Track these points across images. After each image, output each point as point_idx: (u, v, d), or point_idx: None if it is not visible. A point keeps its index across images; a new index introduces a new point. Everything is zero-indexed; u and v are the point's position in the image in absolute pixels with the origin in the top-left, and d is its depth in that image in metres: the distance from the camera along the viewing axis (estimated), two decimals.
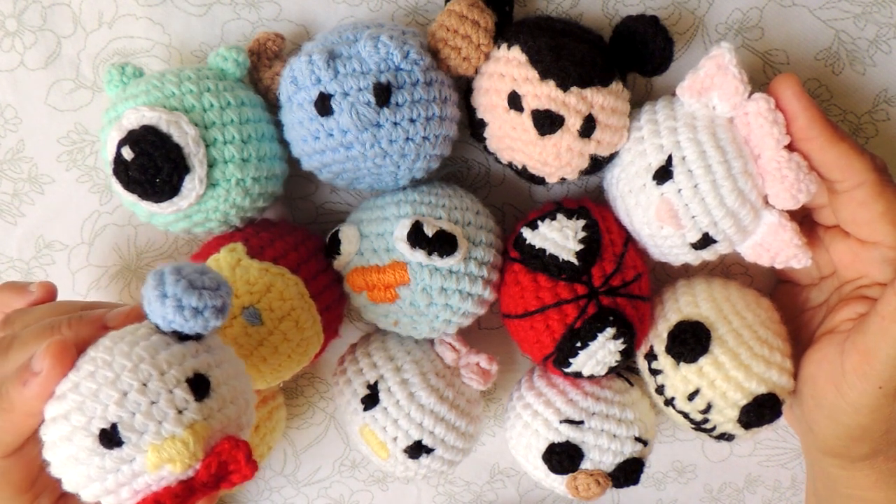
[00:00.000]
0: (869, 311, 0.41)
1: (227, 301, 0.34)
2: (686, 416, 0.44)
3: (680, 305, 0.45)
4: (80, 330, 0.35)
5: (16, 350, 0.35)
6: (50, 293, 0.42)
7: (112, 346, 0.33)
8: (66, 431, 0.32)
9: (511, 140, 0.41)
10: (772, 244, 0.41)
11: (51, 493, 0.37)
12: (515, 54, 0.40)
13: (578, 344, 0.42)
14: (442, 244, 0.41)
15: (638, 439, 0.46)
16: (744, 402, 0.42)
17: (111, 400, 0.32)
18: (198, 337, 0.35)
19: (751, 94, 0.39)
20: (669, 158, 0.40)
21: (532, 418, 0.47)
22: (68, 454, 0.32)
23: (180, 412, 0.32)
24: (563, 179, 0.43)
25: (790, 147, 0.39)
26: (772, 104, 0.39)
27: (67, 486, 0.33)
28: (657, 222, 0.41)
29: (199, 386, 0.33)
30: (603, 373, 0.44)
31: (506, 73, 0.40)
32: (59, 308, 0.40)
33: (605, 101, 0.39)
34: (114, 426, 0.31)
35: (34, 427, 0.34)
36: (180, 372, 0.32)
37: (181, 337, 0.34)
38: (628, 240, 0.44)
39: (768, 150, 0.39)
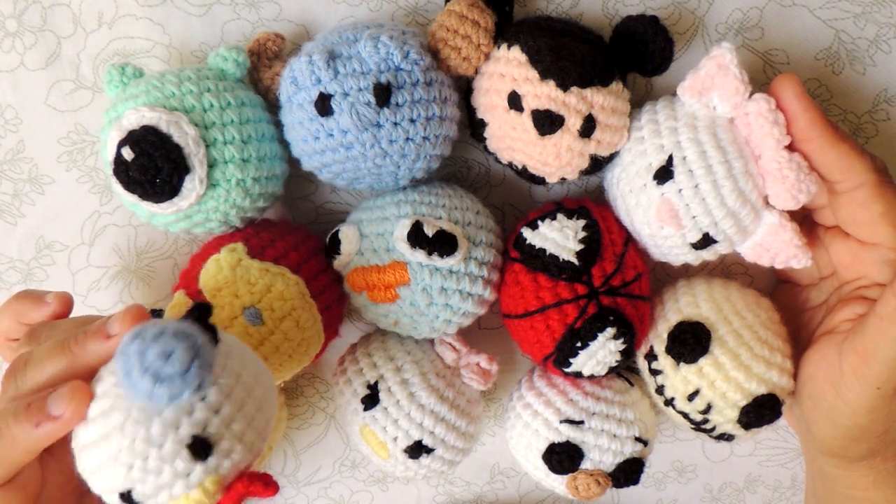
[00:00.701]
0: (868, 311, 0.41)
1: (206, 374, 0.32)
2: (686, 416, 0.44)
3: (680, 306, 0.45)
4: (88, 345, 0.35)
5: (31, 370, 0.35)
6: (67, 304, 0.42)
7: (109, 412, 0.32)
8: (98, 487, 0.33)
9: (511, 140, 0.41)
10: (772, 244, 0.41)
11: None
12: (515, 54, 0.40)
13: (578, 344, 0.42)
14: (442, 244, 0.41)
15: (638, 439, 0.46)
16: (744, 402, 0.42)
17: (119, 472, 0.32)
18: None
19: (751, 94, 0.39)
20: (670, 158, 0.40)
21: (532, 418, 0.47)
22: None
23: (187, 476, 0.32)
24: (563, 179, 0.43)
25: (791, 147, 0.39)
26: (772, 104, 0.39)
27: None
28: (657, 222, 0.41)
29: (200, 448, 0.32)
30: (603, 373, 0.44)
31: (506, 73, 0.40)
32: (81, 324, 0.39)
33: (605, 101, 0.39)
34: (129, 491, 0.32)
35: (29, 461, 0.34)
36: (176, 442, 0.31)
37: None
38: (628, 240, 0.44)
39: (769, 151, 0.39)
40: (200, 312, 0.34)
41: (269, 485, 0.33)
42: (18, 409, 0.33)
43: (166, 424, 0.32)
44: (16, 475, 0.35)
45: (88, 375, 0.34)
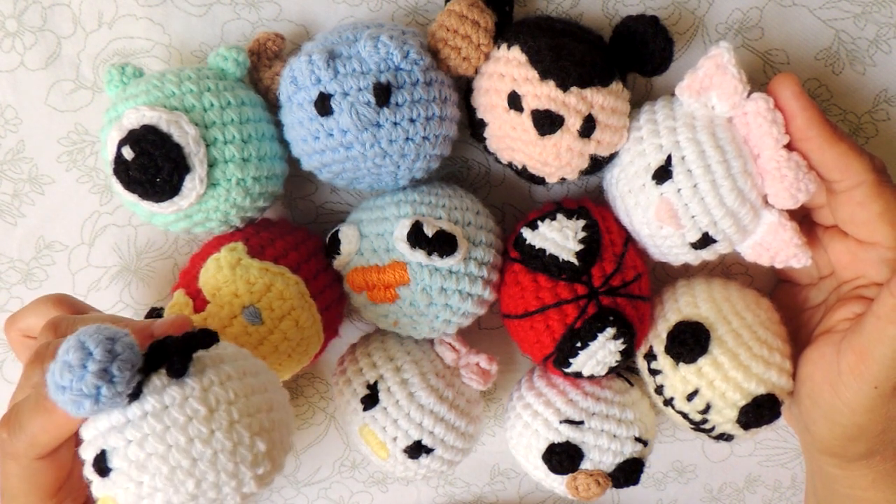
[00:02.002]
0: (866, 311, 0.41)
1: (121, 374, 0.30)
2: (685, 416, 0.44)
3: (679, 306, 0.45)
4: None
5: None
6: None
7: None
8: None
9: (511, 140, 0.41)
10: (771, 244, 0.41)
11: (76, 497, 0.38)
12: (515, 54, 0.40)
13: (578, 344, 0.42)
14: (442, 244, 0.41)
15: (638, 439, 0.46)
16: (743, 402, 0.42)
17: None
18: (134, 394, 0.32)
19: (750, 93, 0.39)
20: (669, 158, 0.40)
21: (532, 418, 0.47)
22: None
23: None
24: (563, 179, 0.43)
25: (789, 147, 0.39)
26: (771, 104, 0.39)
27: None
28: (657, 222, 0.41)
29: (102, 464, 0.32)
30: (603, 373, 0.44)
31: (506, 73, 0.40)
32: (109, 320, 0.39)
33: (604, 101, 0.39)
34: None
35: (73, 430, 0.34)
36: (90, 452, 0.33)
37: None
38: (628, 240, 0.44)
39: (767, 150, 0.39)
40: (191, 339, 0.34)
41: None
42: None
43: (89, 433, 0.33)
44: (55, 451, 0.35)
45: None
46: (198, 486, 0.32)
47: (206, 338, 0.34)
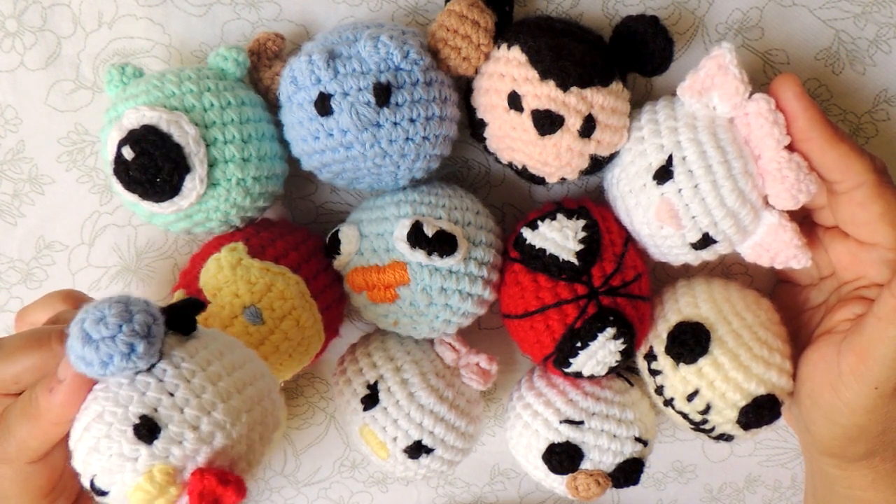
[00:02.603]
0: (866, 311, 0.41)
1: (136, 340, 0.31)
2: (685, 416, 0.44)
3: (680, 306, 0.45)
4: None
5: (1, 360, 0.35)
6: None
7: (90, 398, 0.33)
8: (81, 476, 0.33)
9: (511, 140, 0.41)
10: (772, 244, 0.41)
11: (69, 495, 0.38)
12: (515, 54, 0.40)
13: (578, 344, 0.42)
14: (442, 244, 0.41)
15: (638, 439, 0.46)
16: (743, 403, 0.42)
17: (82, 457, 0.32)
18: (149, 367, 0.33)
19: (751, 94, 0.39)
20: (670, 158, 0.40)
21: (532, 418, 0.47)
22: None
23: (134, 461, 0.31)
24: (563, 179, 0.43)
25: (790, 147, 0.39)
26: (772, 104, 0.39)
27: None
28: (657, 222, 0.41)
29: (147, 429, 0.31)
30: (603, 373, 0.44)
31: (506, 73, 0.40)
32: None
33: (605, 101, 0.39)
34: (93, 477, 0.32)
35: (60, 435, 0.34)
36: (123, 421, 0.31)
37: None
38: (628, 240, 0.44)
39: (768, 151, 0.39)
40: (186, 305, 0.34)
41: (226, 483, 0.31)
42: (42, 380, 0.34)
43: (118, 402, 0.32)
44: (47, 454, 0.35)
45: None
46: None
47: (199, 303, 0.35)
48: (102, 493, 0.32)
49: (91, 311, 0.31)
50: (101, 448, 0.32)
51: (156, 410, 0.32)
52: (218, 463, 0.32)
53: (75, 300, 0.41)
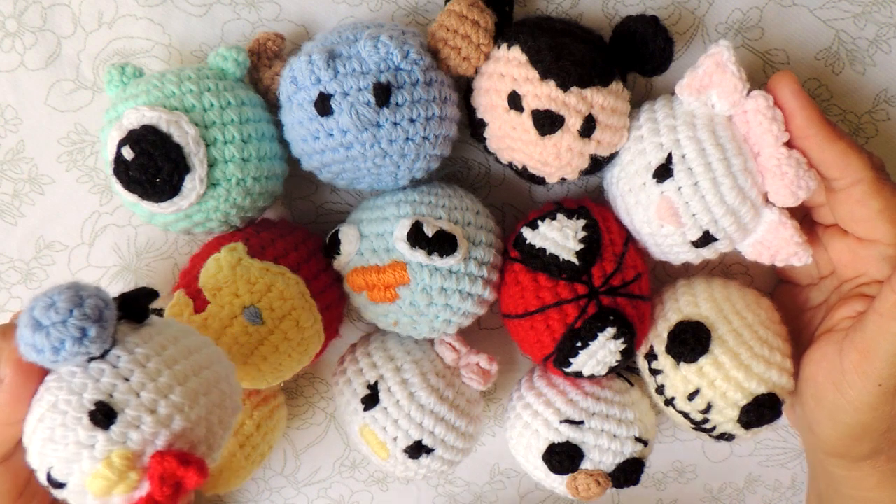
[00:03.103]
0: (867, 308, 0.41)
1: (87, 324, 0.31)
2: (686, 416, 0.44)
3: (680, 305, 0.45)
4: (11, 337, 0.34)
5: None
6: None
7: (41, 391, 0.33)
8: (36, 471, 0.33)
9: (511, 140, 0.41)
10: (772, 242, 0.41)
11: (41, 499, 0.37)
12: (515, 54, 0.40)
13: (579, 344, 0.42)
14: (442, 244, 0.41)
15: (638, 439, 0.46)
16: (744, 402, 0.42)
17: (37, 449, 0.32)
18: (102, 354, 0.33)
19: (749, 92, 0.39)
20: (669, 156, 0.40)
21: (532, 418, 0.47)
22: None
23: (91, 448, 0.31)
24: (563, 179, 0.43)
25: (789, 144, 0.39)
26: (770, 101, 0.39)
27: None
28: (657, 221, 0.41)
29: (102, 414, 0.31)
30: (603, 373, 0.44)
31: (506, 73, 0.40)
32: None
33: (605, 101, 0.39)
34: (49, 470, 0.32)
35: (16, 436, 0.34)
36: (78, 409, 0.31)
37: (89, 357, 0.33)
38: (628, 239, 0.44)
39: (767, 147, 0.39)
40: (139, 293, 0.35)
41: (186, 463, 0.31)
42: None
43: (72, 391, 0.31)
44: (8, 458, 0.35)
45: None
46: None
47: (151, 292, 0.36)
48: (60, 486, 0.32)
49: (40, 299, 0.31)
50: (56, 438, 0.31)
51: (111, 396, 0.31)
52: (177, 446, 0.32)
53: None
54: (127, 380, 0.32)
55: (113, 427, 0.31)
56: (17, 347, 0.31)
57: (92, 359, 0.32)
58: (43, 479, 0.32)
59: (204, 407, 0.33)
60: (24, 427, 0.33)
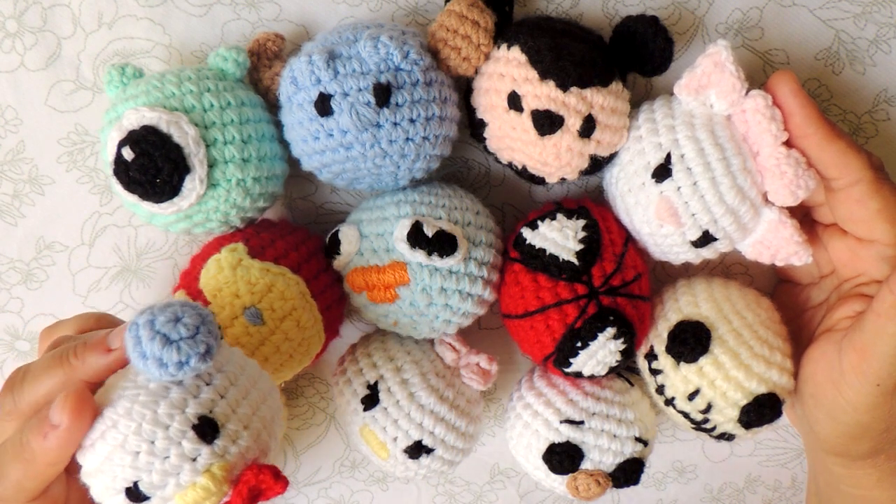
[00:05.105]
0: (866, 308, 0.41)
1: (212, 341, 0.32)
2: (686, 416, 0.44)
3: (680, 305, 0.45)
4: (87, 358, 0.35)
5: (28, 383, 0.35)
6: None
7: (116, 403, 0.33)
8: (101, 489, 0.33)
9: (511, 140, 0.41)
10: (772, 241, 0.41)
11: None
12: (515, 54, 0.40)
13: (579, 344, 0.42)
14: (442, 244, 0.41)
15: (638, 439, 0.46)
16: (744, 401, 0.42)
17: (125, 462, 0.32)
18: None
19: (748, 91, 0.39)
20: (668, 156, 0.40)
21: (532, 418, 0.47)
22: None
23: (194, 460, 0.32)
24: (562, 179, 0.43)
25: (788, 144, 0.39)
26: (769, 101, 0.39)
27: None
28: (657, 221, 0.41)
29: (207, 429, 0.32)
30: (603, 373, 0.44)
31: (505, 73, 0.40)
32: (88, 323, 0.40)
33: (604, 101, 0.39)
34: (135, 483, 0.32)
35: (57, 473, 0.34)
36: (183, 422, 0.32)
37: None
38: (628, 239, 0.44)
39: (767, 147, 0.39)
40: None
41: (278, 477, 0.33)
42: (33, 424, 0.33)
43: (173, 405, 0.32)
44: (46, 490, 0.35)
45: (90, 389, 0.34)
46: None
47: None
48: (143, 499, 0.32)
49: (160, 313, 0.32)
50: (156, 451, 0.31)
51: (211, 411, 0.33)
52: (260, 461, 0.34)
53: (107, 322, 0.41)
54: (223, 397, 0.33)
55: (217, 441, 0.32)
56: (131, 359, 0.32)
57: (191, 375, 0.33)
58: (115, 495, 0.32)
59: (277, 426, 0.36)
60: (87, 447, 0.33)
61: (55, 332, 0.41)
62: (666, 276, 0.50)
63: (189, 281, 0.42)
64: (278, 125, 0.43)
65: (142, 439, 0.32)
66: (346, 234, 0.44)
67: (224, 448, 0.32)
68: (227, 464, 0.32)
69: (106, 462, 0.32)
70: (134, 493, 0.32)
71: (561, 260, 0.42)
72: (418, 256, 0.41)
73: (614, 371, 0.44)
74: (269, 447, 0.35)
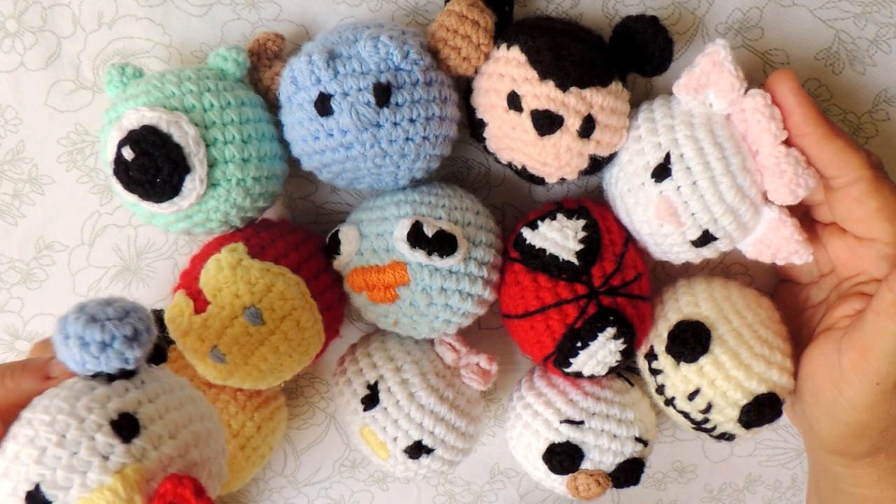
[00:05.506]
0: (866, 307, 0.41)
1: (140, 326, 0.31)
2: (686, 415, 0.44)
3: (680, 305, 0.45)
4: (22, 382, 0.33)
5: None
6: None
7: (36, 403, 0.31)
8: (1, 499, 0.29)
9: (511, 140, 0.41)
10: (772, 240, 0.41)
11: None
12: (515, 54, 0.40)
13: (579, 344, 0.42)
14: (442, 244, 0.41)
15: (638, 439, 0.46)
16: (744, 401, 0.42)
17: (31, 458, 0.29)
18: (128, 374, 0.32)
19: (747, 90, 0.39)
20: (667, 156, 0.40)
21: (532, 418, 0.47)
22: None
23: (105, 458, 0.29)
24: (562, 179, 0.43)
25: (787, 143, 0.39)
26: (768, 100, 0.39)
27: None
28: (657, 220, 0.41)
29: (126, 426, 0.30)
30: (603, 373, 0.44)
31: (505, 73, 0.40)
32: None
33: (604, 101, 0.39)
34: (37, 486, 0.29)
35: None
36: (101, 415, 0.29)
37: (110, 378, 0.32)
38: (628, 239, 0.44)
39: (766, 146, 0.39)
40: (161, 340, 0.35)
41: (200, 496, 0.29)
42: None
43: (94, 399, 0.30)
44: None
45: (15, 412, 0.32)
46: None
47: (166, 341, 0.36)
48: (44, 503, 0.29)
49: (92, 301, 0.30)
50: (66, 443, 0.29)
51: (136, 412, 0.30)
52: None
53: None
54: (151, 401, 0.31)
55: (135, 440, 0.30)
56: (55, 344, 0.30)
57: (112, 378, 0.32)
58: (19, 500, 0.29)
59: (213, 450, 0.33)
60: (1, 450, 0.30)
61: (48, 348, 0.40)
62: (666, 276, 0.50)
63: (189, 281, 0.42)
64: (278, 125, 0.43)
65: (53, 431, 0.29)
66: (346, 234, 0.44)
67: (142, 450, 0.30)
68: (142, 468, 0.29)
69: (11, 464, 0.29)
70: (34, 496, 0.29)
71: (561, 260, 0.42)
72: (418, 256, 0.41)
73: (614, 371, 0.44)
74: (197, 468, 0.31)
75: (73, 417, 0.29)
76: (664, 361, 0.44)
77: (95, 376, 0.32)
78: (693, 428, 0.45)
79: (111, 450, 0.29)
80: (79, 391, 0.31)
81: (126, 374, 0.32)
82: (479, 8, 0.40)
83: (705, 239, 0.41)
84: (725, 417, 0.43)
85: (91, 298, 0.31)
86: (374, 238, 0.43)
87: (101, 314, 0.30)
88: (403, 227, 0.41)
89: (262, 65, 0.43)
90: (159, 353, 0.34)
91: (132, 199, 0.39)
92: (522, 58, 0.39)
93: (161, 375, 0.34)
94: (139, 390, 0.32)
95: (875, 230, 0.41)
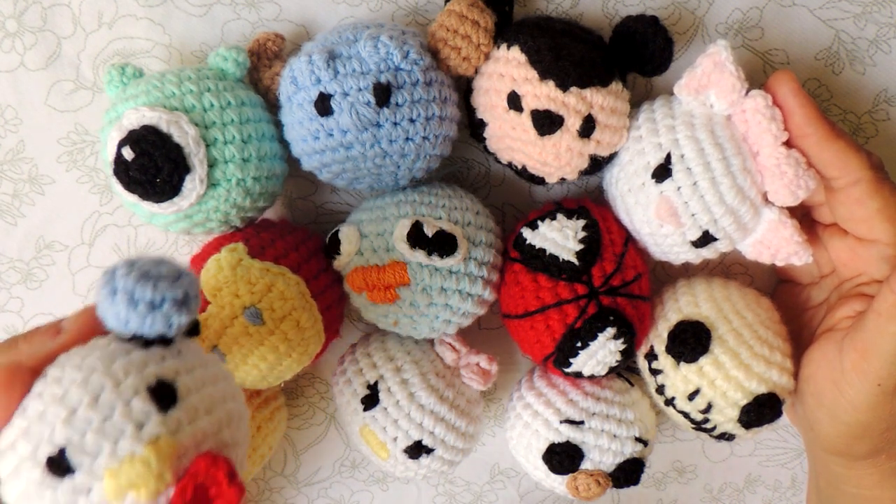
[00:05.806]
0: (867, 308, 0.41)
1: (192, 292, 0.28)
2: (686, 415, 0.44)
3: (680, 305, 0.45)
4: (34, 340, 0.32)
5: None
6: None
7: (65, 361, 0.28)
8: (14, 464, 0.26)
9: (511, 140, 0.41)
10: (772, 241, 0.41)
11: None
12: (515, 54, 0.40)
13: (579, 344, 0.42)
14: (442, 244, 0.41)
15: (638, 439, 0.46)
16: (744, 401, 0.42)
17: (58, 419, 0.26)
18: (165, 341, 0.29)
19: (748, 91, 0.39)
20: (668, 156, 0.40)
21: (532, 418, 0.47)
22: (18, 491, 0.26)
23: (139, 427, 0.26)
24: (562, 179, 0.43)
25: (788, 144, 0.39)
26: (769, 101, 0.39)
27: None
28: (657, 221, 0.41)
29: (164, 394, 0.27)
30: (603, 373, 0.44)
31: (505, 73, 0.40)
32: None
33: (604, 101, 0.39)
34: (62, 451, 0.26)
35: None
36: (139, 380, 0.27)
37: (146, 343, 0.29)
38: (628, 240, 0.44)
39: (766, 147, 0.39)
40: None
41: (233, 479, 0.27)
42: None
43: (132, 362, 0.28)
44: None
45: (35, 375, 0.29)
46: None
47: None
48: (66, 471, 0.26)
49: (144, 257, 0.28)
50: (100, 405, 0.26)
51: (174, 381, 0.28)
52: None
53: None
54: (189, 372, 0.29)
55: (171, 411, 0.27)
56: (99, 301, 0.28)
57: (148, 344, 0.29)
58: (32, 469, 0.26)
59: (242, 433, 0.31)
60: (23, 408, 0.28)
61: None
62: (666, 276, 0.50)
63: None
64: (278, 125, 0.43)
65: (86, 391, 0.27)
66: (347, 234, 0.44)
67: (177, 422, 0.27)
68: (176, 442, 0.27)
69: (33, 424, 0.27)
70: (57, 462, 0.26)
71: (561, 260, 0.42)
72: (418, 256, 0.41)
73: (614, 371, 0.44)
74: (228, 449, 0.29)
75: (109, 378, 0.27)
76: (664, 361, 0.44)
77: (131, 339, 0.29)
78: (693, 428, 0.45)
79: (146, 418, 0.27)
80: (114, 352, 0.28)
81: (164, 342, 0.30)
82: (479, 8, 0.40)
83: (705, 239, 0.41)
84: (725, 417, 0.43)
85: (137, 257, 0.29)
86: (374, 238, 0.43)
87: (155, 272, 0.28)
88: (403, 227, 0.41)
89: (262, 65, 0.43)
90: (194, 325, 0.32)
91: (132, 199, 0.39)
92: (522, 58, 0.39)
93: (196, 348, 0.31)
94: (176, 360, 0.29)
95: (876, 231, 0.41)
